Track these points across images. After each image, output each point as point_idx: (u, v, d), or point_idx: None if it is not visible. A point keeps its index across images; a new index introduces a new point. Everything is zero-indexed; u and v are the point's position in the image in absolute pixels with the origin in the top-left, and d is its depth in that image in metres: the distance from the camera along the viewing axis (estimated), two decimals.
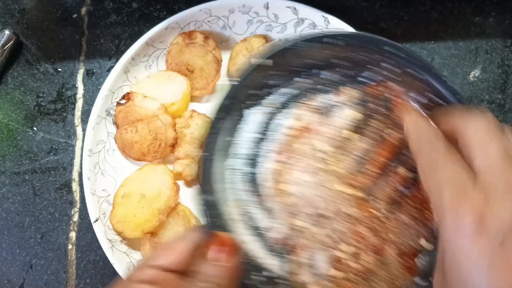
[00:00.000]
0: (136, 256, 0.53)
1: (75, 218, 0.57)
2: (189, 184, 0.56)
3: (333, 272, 0.32)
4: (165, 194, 0.52)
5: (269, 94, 0.36)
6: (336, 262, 0.32)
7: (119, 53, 0.60)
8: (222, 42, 0.59)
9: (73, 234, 0.56)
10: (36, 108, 0.60)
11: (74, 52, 0.61)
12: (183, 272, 0.31)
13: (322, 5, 0.56)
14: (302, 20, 0.57)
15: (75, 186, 0.57)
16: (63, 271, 0.56)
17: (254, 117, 0.36)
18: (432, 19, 0.60)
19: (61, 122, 0.59)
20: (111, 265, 0.51)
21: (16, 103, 0.60)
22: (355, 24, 0.56)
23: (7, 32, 0.59)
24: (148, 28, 0.56)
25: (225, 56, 0.58)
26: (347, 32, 0.36)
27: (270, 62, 0.34)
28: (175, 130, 0.54)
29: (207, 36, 0.57)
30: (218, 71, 0.57)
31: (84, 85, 0.60)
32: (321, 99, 0.35)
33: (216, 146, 0.35)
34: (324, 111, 0.35)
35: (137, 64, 0.57)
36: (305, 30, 0.57)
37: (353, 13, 0.60)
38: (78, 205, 0.57)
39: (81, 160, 0.56)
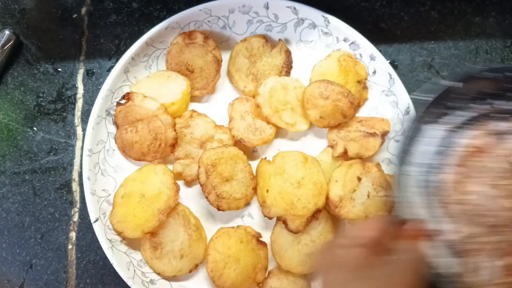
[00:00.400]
0: (136, 256, 0.53)
1: (75, 218, 0.57)
2: (189, 184, 0.56)
3: (500, 279, 0.36)
4: (165, 194, 0.52)
5: (445, 114, 0.41)
6: (506, 270, 0.36)
7: (119, 53, 0.60)
8: (222, 42, 0.59)
9: (73, 234, 0.56)
10: (36, 108, 0.60)
11: (74, 52, 0.61)
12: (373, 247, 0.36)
13: (322, 5, 0.56)
14: (302, 20, 0.57)
15: (75, 186, 0.57)
16: (63, 271, 0.56)
17: (431, 132, 0.41)
18: (432, 19, 0.60)
19: (61, 122, 0.59)
20: (111, 265, 0.51)
21: (16, 103, 0.60)
22: (355, 24, 0.56)
23: (7, 32, 0.59)
24: (148, 28, 0.56)
25: (225, 56, 0.58)
26: None
27: (460, 84, 0.39)
28: (175, 130, 0.54)
29: (207, 36, 0.57)
30: (218, 71, 0.57)
31: (84, 85, 0.60)
32: (494, 125, 0.41)
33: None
34: (498, 135, 0.40)
35: (137, 64, 0.57)
36: (305, 30, 0.57)
37: (353, 13, 0.60)
38: (78, 205, 0.57)
39: (81, 160, 0.56)
